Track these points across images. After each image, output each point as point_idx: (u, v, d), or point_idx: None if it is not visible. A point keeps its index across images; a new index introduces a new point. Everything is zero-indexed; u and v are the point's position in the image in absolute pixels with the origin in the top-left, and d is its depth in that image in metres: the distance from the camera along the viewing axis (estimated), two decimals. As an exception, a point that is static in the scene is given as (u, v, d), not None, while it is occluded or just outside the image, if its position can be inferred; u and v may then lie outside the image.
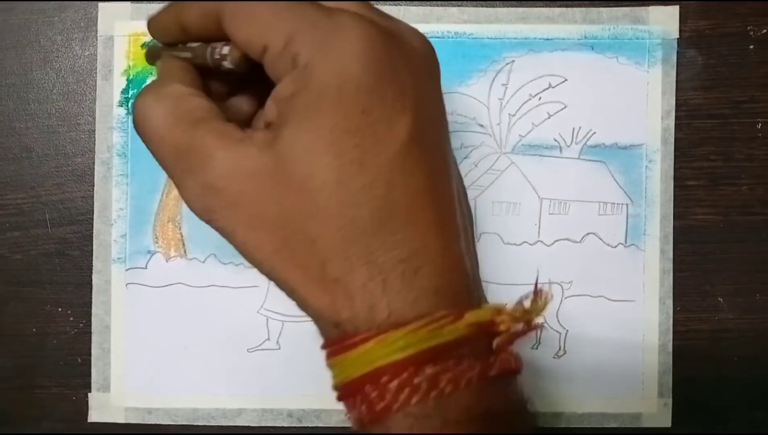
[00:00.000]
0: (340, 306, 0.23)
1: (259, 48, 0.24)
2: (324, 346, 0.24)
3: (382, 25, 0.24)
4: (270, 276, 0.24)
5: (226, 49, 0.25)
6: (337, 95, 0.23)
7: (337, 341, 0.23)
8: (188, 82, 0.26)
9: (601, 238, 0.39)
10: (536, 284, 0.25)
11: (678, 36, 0.39)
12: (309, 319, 0.25)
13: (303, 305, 0.24)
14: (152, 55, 0.29)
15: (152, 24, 0.28)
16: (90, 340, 0.39)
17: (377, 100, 0.23)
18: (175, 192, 0.39)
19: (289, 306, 0.25)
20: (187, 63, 0.27)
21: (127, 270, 0.39)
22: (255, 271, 0.25)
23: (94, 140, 0.39)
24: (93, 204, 0.39)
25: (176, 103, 0.25)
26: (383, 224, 0.23)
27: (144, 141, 0.26)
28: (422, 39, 0.26)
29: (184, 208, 0.39)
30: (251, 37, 0.24)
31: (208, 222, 0.25)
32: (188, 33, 0.26)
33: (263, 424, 0.39)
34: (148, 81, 0.32)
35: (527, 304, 0.25)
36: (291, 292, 0.24)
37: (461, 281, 0.24)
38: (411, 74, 0.24)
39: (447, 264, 0.24)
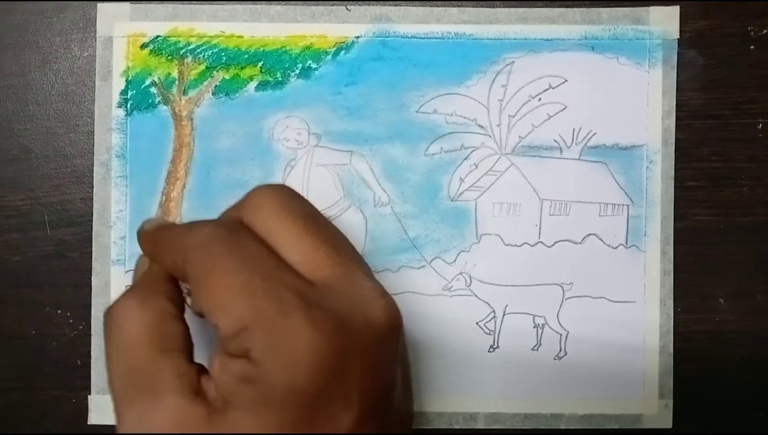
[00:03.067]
0: None
1: (212, 322, 0.25)
2: None
3: (337, 316, 0.25)
4: None
5: (187, 301, 0.27)
6: (284, 398, 0.24)
7: None
8: (172, 298, 0.27)
9: (601, 239, 0.39)
10: None
11: (678, 36, 0.39)
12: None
13: None
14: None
15: (139, 237, 0.30)
16: (89, 342, 0.39)
17: (323, 402, 0.24)
18: (175, 193, 0.39)
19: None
20: (170, 273, 0.28)
21: (126, 272, 0.39)
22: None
23: (93, 142, 0.39)
24: (92, 206, 0.39)
25: (158, 321, 0.26)
26: None
27: (108, 342, 0.26)
28: (383, 307, 0.26)
29: (184, 210, 0.39)
30: (208, 310, 0.25)
31: None
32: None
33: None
34: (132, 281, 0.32)
35: None
36: None
37: None
38: (361, 365, 0.25)
39: None
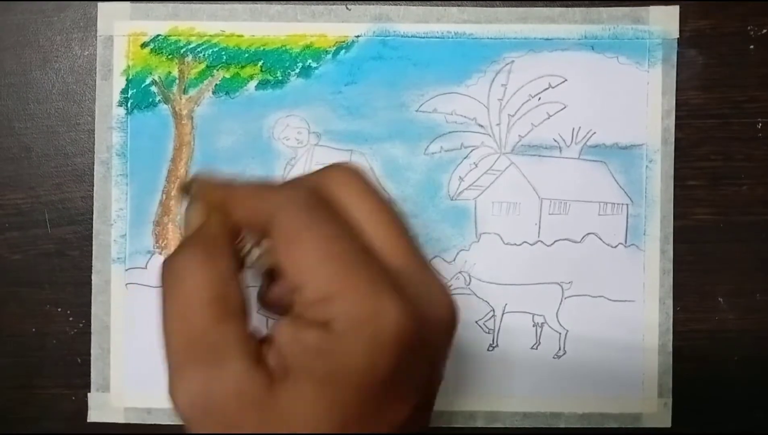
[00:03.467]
0: None
1: (294, 284, 0.24)
2: None
3: (418, 303, 0.24)
4: None
5: (253, 254, 0.25)
6: (358, 378, 0.23)
7: None
8: (234, 261, 0.25)
9: (601, 238, 0.39)
10: None
11: (678, 36, 0.39)
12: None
13: None
14: (188, 190, 0.28)
15: (196, 185, 0.27)
16: (89, 340, 0.39)
17: (390, 388, 0.24)
18: (175, 191, 0.39)
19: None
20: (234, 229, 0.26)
21: (126, 270, 0.39)
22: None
23: (94, 140, 0.39)
24: (92, 204, 0.39)
25: (222, 282, 0.24)
26: None
27: (167, 298, 0.24)
28: (447, 303, 0.26)
29: (184, 208, 0.39)
30: (292, 271, 0.24)
31: (183, 420, 0.24)
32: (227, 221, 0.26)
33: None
34: (184, 232, 0.28)
35: None
36: None
37: None
38: (428, 358, 0.25)
39: None
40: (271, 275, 0.27)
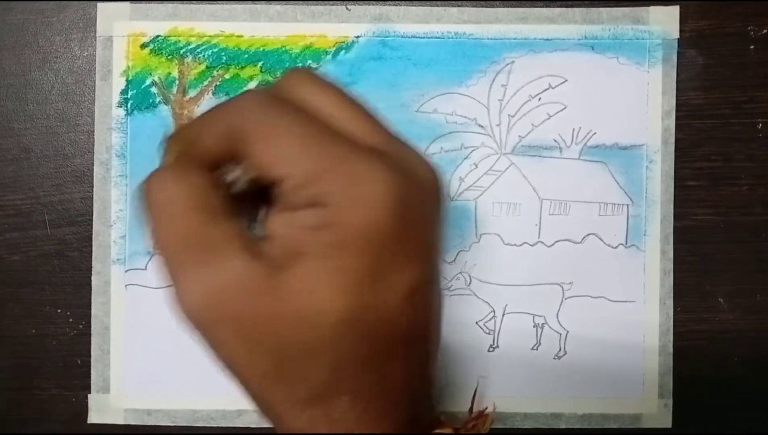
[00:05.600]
0: (318, 428, 0.24)
1: (278, 176, 0.24)
2: None
3: (401, 166, 0.24)
4: (252, 394, 0.24)
5: (235, 174, 0.25)
6: (363, 241, 0.23)
7: None
8: (208, 175, 0.25)
9: (601, 239, 0.39)
10: (473, 402, 0.28)
11: (678, 36, 0.39)
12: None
13: (277, 422, 0.24)
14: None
15: (171, 138, 0.27)
16: (89, 341, 0.39)
17: (397, 247, 0.24)
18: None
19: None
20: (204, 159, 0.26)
21: (126, 271, 0.39)
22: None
23: (93, 141, 0.39)
24: (92, 205, 0.39)
25: (198, 189, 0.24)
26: (379, 361, 0.24)
27: (150, 218, 0.24)
28: (430, 169, 0.26)
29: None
30: (274, 164, 0.24)
31: (194, 325, 0.24)
32: (201, 151, 0.26)
33: (263, 426, 0.39)
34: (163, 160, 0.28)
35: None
36: (268, 409, 0.24)
37: (429, 406, 0.27)
38: (424, 217, 0.25)
39: (423, 394, 0.26)
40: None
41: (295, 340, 0.23)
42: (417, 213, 0.24)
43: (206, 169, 0.25)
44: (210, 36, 0.39)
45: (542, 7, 0.39)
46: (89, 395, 0.39)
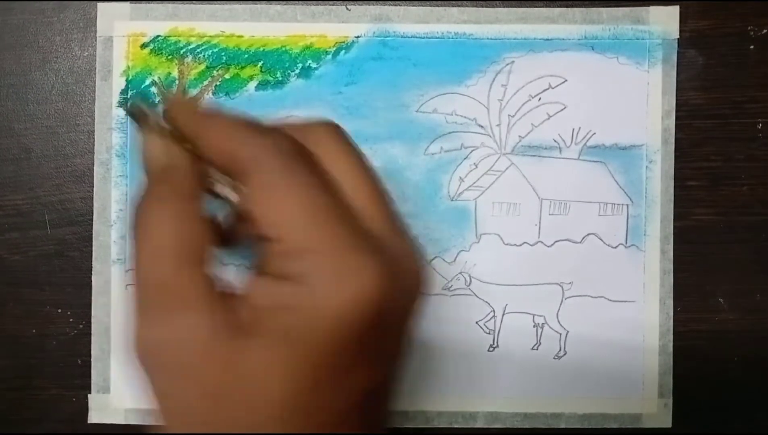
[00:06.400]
0: None
1: (271, 235, 0.23)
2: None
3: (392, 264, 0.24)
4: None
5: (223, 191, 0.25)
6: (327, 335, 0.22)
7: None
8: (199, 215, 0.24)
9: (601, 239, 0.39)
10: None
11: (678, 36, 0.39)
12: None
13: None
14: (139, 116, 0.26)
15: (172, 110, 0.26)
16: (90, 341, 0.39)
17: (360, 350, 0.23)
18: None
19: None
20: (191, 163, 0.25)
21: (126, 271, 0.39)
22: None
23: (94, 141, 0.39)
24: (92, 205, 0.39)
25: (183, 233, 0.24)
26: None
27: (133, 244, 0.24)
28: (419, 266, 0.25)
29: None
30: (272, 222, 0.23)
31: (139, 364, 0.23)
32: (198, 147, 0.25)
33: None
34: (158, 166, 0.26)
35: None
36: None
37: None
38: (397, 321, 0.24)
39: None
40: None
41: (233, 415, 0.22)
42: (391, 318, 0.24)
43: (200, 188, 0.25)
44: (210, 36, 0.39)
45: (542, 7, 0.39)
46: (89, 395, 0.39)
